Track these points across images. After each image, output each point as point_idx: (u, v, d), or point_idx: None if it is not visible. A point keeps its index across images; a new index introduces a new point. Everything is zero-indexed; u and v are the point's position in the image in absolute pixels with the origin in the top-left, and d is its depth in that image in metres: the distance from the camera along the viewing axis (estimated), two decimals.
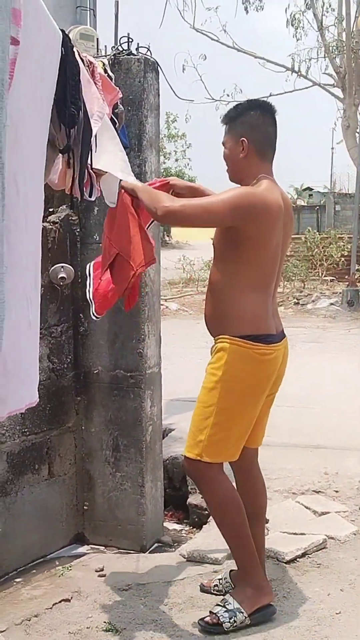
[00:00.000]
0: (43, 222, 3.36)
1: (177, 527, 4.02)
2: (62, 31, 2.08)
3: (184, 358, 7.76)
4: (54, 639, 2.65)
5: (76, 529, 3.63)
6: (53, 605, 2.88)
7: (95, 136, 2.33)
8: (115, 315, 3.43)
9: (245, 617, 2.71)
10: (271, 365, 2.71)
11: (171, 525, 4.02)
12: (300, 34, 16.73)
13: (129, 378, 3.48)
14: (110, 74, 2.70)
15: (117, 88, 2.63)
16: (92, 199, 2.50)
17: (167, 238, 31.91)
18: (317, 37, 16.68)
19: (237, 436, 2.73)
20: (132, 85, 3.31)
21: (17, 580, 3.22)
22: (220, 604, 2.76)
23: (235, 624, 2.69)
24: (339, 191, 28.93)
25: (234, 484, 2.87)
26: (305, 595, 2.95)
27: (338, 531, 3.50)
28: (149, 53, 3.35)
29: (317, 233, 18.33)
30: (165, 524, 3.87)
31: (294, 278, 15.87)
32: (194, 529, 3.91)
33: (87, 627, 2.72)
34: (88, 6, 4.24)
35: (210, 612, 2.74)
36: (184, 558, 3.31)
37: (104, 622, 2.75)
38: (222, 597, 2.82)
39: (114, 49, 3.33)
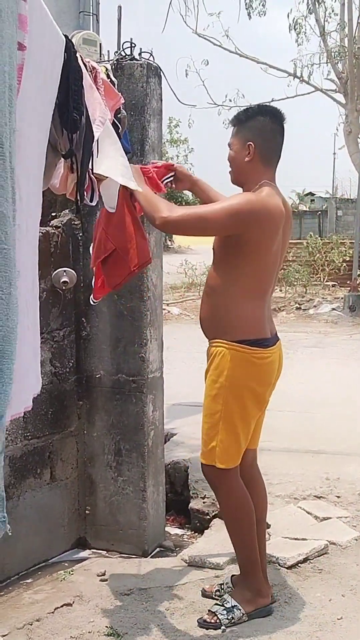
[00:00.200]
0: (46, 226, 3.38)
1: (179, 531, 4.02)
2: (65, 36, 2.08)
3: (186, 362, 7.75)
4: None
5: (78, 534, 3.62)
6: (55, 609, 2.88)
7: (97, 141, 2.33)
8: (118, 320, 3.44)
9: (243, 614, 2.77)
10: (270, 367, 2.74)
11: (173, 530, 4.01)
12: (303, 40, 16.65)
13: (131, 382, 3.48)
14: (113, 79, 2.69)
15: (120, 94, 2.63)
16: (93, 203, 2.50)
17: (169, 243, 31.84)
18: (320, 42, 16.64)
19: (243, 440, 2.77)
20: (134, 90, 3.31)
21: (19, 584, 3.22)
22: (219, 603, 2.82)
23: (233, 621, 2.75)
24: (340, 196, 29.03)
25: None
26: (306, 601, 2.94)
27: (339, 537, 3.50)
28: (151, 58, 3.35)
29: (319, 238, 18.36)
30: (167, 529, 3.87)
31: (295, 283, 15.86)
32: (196, 534, 3.91)
33: (89, 632, 2.71)
34: (91, 11, 4.25)
35: (209, 610, 2.80)
36: (186, 563, 3.31)
37: (106, 626, 2.75)
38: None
39: (116, 54, 3.34)
